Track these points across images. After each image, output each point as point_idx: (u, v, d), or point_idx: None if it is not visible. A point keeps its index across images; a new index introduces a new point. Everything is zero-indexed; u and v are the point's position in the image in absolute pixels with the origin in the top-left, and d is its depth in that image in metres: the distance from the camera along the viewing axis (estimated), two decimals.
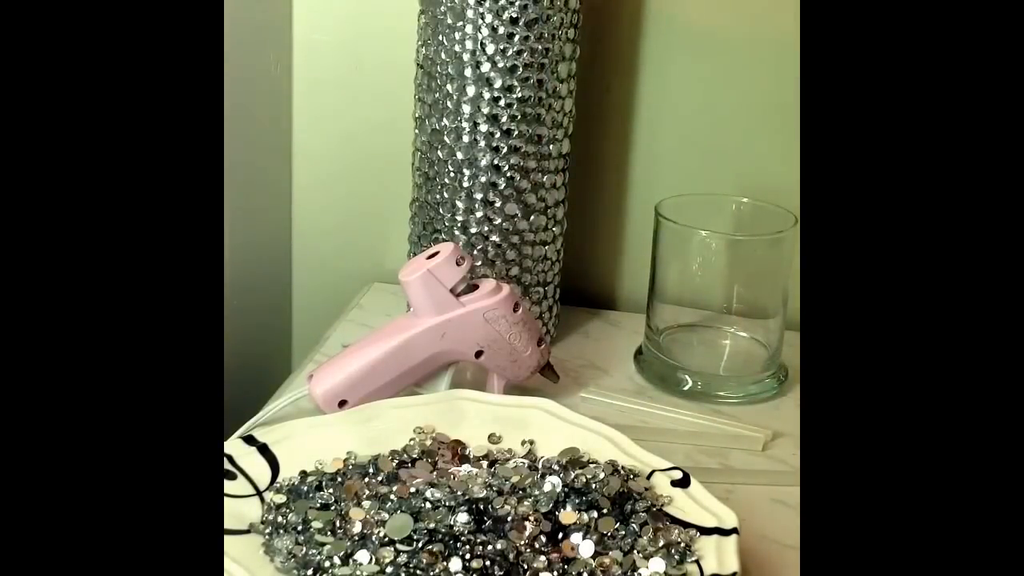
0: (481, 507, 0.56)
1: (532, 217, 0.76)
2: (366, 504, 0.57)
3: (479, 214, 0.76)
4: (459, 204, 0.76)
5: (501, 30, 0.72)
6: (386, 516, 0.56)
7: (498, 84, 0.73)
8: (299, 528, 0.55)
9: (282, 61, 0.91)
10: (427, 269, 0.68)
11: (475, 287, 0.70)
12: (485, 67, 0.73)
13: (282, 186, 0.94)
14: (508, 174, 0.75)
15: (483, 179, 0.75)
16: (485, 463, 0.62)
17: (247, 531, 0.56)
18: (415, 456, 0.61)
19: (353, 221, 0.95)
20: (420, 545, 0.54)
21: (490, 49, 0.73)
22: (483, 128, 0.74)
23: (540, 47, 0.73)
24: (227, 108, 0.70)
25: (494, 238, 0.76)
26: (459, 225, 0.76)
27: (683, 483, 0.59)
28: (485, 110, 0.74)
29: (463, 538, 0.54)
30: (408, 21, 0.81)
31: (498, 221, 0.76)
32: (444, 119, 0.75)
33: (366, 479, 0.59)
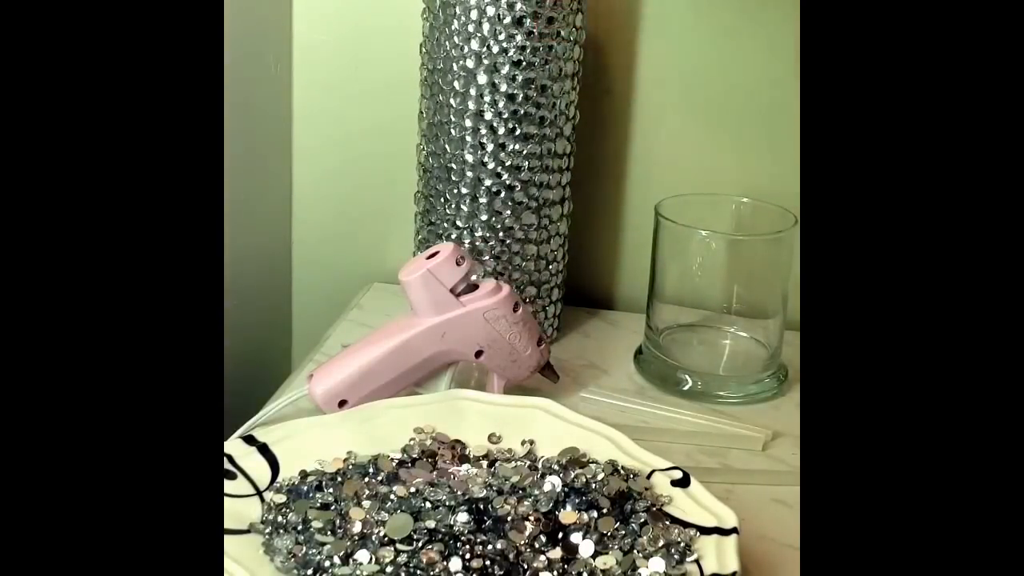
0: (481, 507, 0.56)
1: (535, 216, 0.77)
2: (366, 504, 0.57)
3: (484, 216, 0.76)
4: (464, 204, 0.76)
5: (507, 32, 0.72)
6: (386, 516, 0.56)
7: (503, 86, 0.73)
8: (299, 528, 0.55)
9: (282, 61, 0.91)
10: (427, 269, 0.68)
11: (475, 287, 0.70)
12: (485, 70, 0.73)
13: (282, 186, 0.94)
14: (513, 174, 0.75)
15: (488, 179, 0.75)
16: (485, 463, 0.62)
17: (247, 531, 0.56)
18: (415, 456, 0.61)
19: (353, 221, 0.95)
20: (420, 545, 0.54)
21: (495, 49, 0.73)
22: (489, 128, 0.74)
23: (544, 46, 0.73)
24: (227, 108, 0.70)
25: (499, 237, 0.76)
26: (463, 224, 0.76)
27: (683, 483, 0.59)
28: (491, 111, 0.74)
29: (463, 538, 0.54)
30: (408, 21, 0.81)
31: (502, 221, 0.76)
32: (450, 119, 0.75)
33: (366, 479, 0.59)
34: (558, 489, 0.57)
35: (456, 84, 0.74)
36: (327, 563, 0.53)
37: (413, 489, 0.58)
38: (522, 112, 0.74)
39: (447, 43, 0.74)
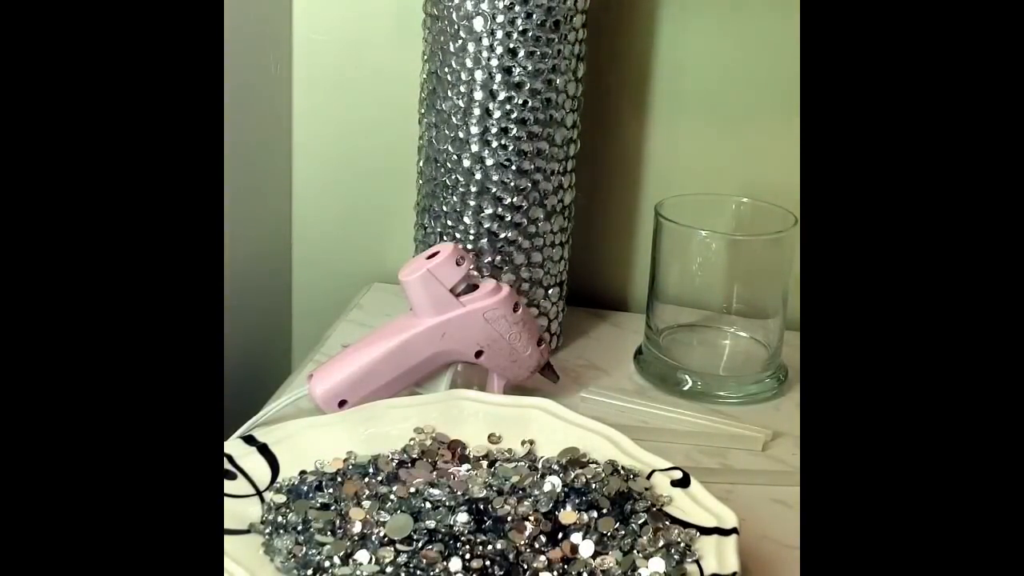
0: (481, 507, 0.56)
1: (550, 219, 0.77)
2: (366, 504, 0.57)
3: (484, 216, 0.76)
4: (464, 203, 0.76)
5: (508, 31, 0.72)
6: (386, 516, 0.56)
7: (504, 86, 0.73)
8: (299, 528, 0.55)
9: (282, 61, 0.91)
10: (427, 269, 0.68)
11: (475, 287, 0.70)
12: (486, 70, 0.73)
13: (282, 186, 0.94)
14: (514, 174, 0.75)
15: (488, 179, 0.75)
16: (485, 463, 0.62)
17: (247, 531, 0.56)
18: (415, 456, 0.61)
19: (353, 221, 0.95)
20: (420, 545, 0.54)
21: (496, 49, 0.73)
22: (489, 128, 0.74)
23: (546, 47, 0.73)
24: (227, 108, 0.70)
25: (505, 235, 0.76)
26: (464, 224, 0.76)
27: (683, 483, 0.59)
28: (491, 111, 0.74)
29: (463, 538, 0.54)
30: (408, 21, 0.81)
31: (502, 221, 0.76)
32: (450, 119, 0.75)
33: (366, 479, 0.59)
34: (558, 489, 0.57)
35: (456, 84, 0.74)
36: (327, 563, 0.53)
37: (413, 489, 0.58)
38: (523, 112, 0.74)
39: (447, 43, 0.74)
